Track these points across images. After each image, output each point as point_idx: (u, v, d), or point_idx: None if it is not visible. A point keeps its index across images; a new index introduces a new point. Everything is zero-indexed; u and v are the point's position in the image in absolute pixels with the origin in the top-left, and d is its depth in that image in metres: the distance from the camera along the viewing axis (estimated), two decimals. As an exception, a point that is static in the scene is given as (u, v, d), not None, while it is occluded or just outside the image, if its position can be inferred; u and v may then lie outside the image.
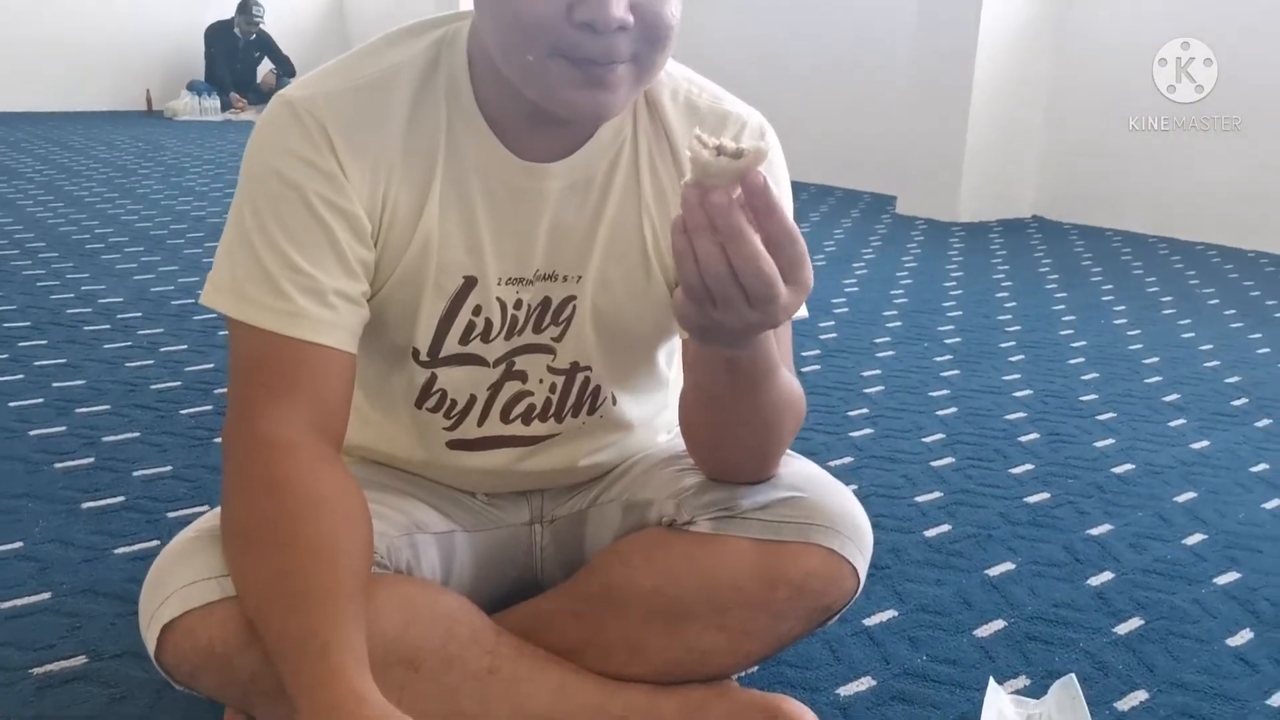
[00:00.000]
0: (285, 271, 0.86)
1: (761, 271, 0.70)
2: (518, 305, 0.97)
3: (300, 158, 0.86)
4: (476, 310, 0.96)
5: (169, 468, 1.68)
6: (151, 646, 0.85)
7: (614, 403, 1.06)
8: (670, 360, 1.09)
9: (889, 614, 1.29)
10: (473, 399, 1.01)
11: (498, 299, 0.96)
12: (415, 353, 0.97)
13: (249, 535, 0.84)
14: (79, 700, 1.07)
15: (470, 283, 0.95)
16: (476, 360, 0.99)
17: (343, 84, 0.89)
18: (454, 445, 1.04)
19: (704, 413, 0.92)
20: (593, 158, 0.94)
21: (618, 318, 0.99)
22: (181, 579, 0.85)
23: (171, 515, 1.51)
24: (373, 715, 0.73)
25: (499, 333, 0.97)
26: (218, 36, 7.83)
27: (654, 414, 1.12)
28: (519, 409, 1.03)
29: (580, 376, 1.03)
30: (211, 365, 2.19)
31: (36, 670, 1.12)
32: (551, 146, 0.92)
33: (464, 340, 0.97)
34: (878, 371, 2.31)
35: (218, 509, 0.89)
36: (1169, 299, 3.11)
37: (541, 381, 1.02)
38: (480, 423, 1.02)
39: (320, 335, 0.86)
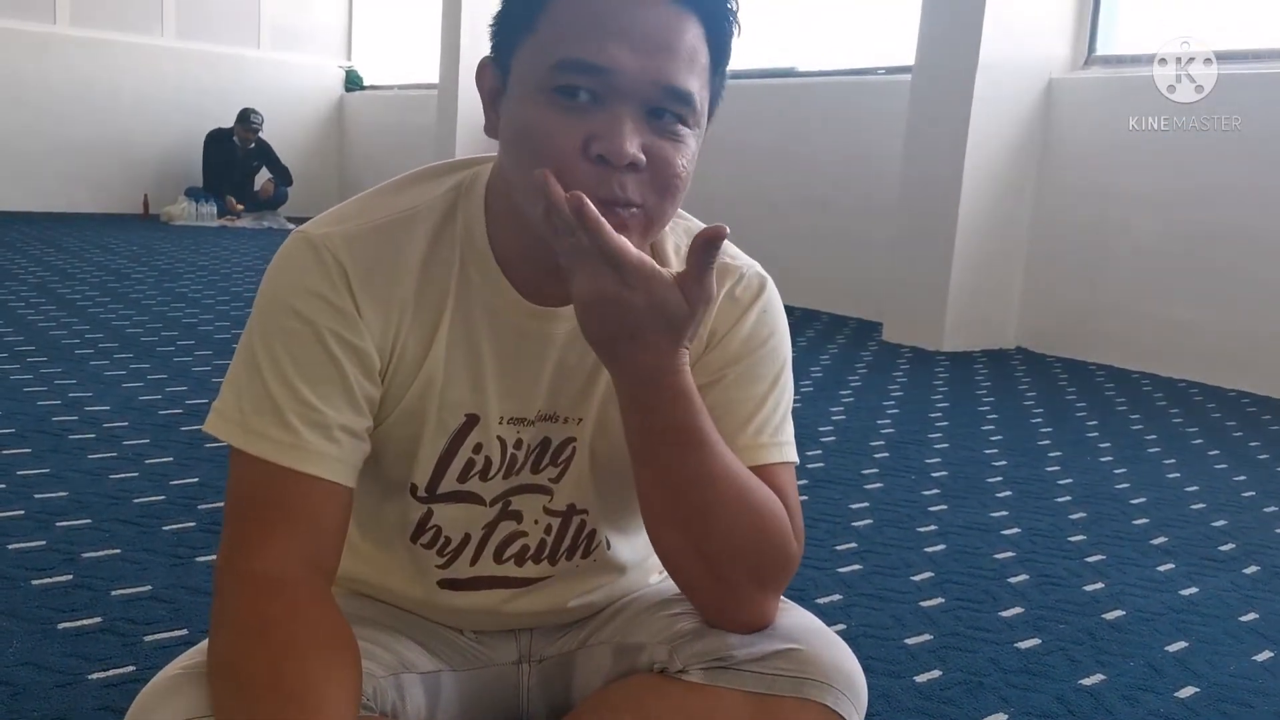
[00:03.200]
0: (292, 404, 0.86)
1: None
2: (518, 445, 0.97)
3: (317, 294, 0.88)
4: (477, 448, 0.96)
5: (148, 587, 1.65)
6: (133, 786, 0.82)
7: (608, 547, 1.06)
8: None
9: (881, 766, 1.26)
10: (467, 537, 1.01)
11: (498, 437, 0.96)
12: (413, 488, 0.97)
13: (236, 676, 0.82)
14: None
15: (472, 420, 0.95)
16: (473, 498, 0.99)
17: (362, 225, 0.91)
18: (445, 584, 1.03)
19: (640, 482, 0.91)
20: None
21: (615, 461, 0.99)
22: (165, 718, 0.83)
23: (149, 639, 1.48)
24: None
25: (497, 471, 0.98)
26: (217, 144, 7.99)
27: (646, 556, 1.11)
28: (512, 549, 1.02)
29: (576, 520, 1.03)
30: (196, 479, 2.17)
31: (1, 807, 1.08)
32: (558, 291, 0.94)
33: (463, 478, 0.97)
34: (865, 504, 2.30)
35: (201, 644, 0.88)
36: (1153, 437, 3.14)
37: (537, 523, 1.02)
38: (473, 562, 1.02)
39: (322, 469, 0.87)
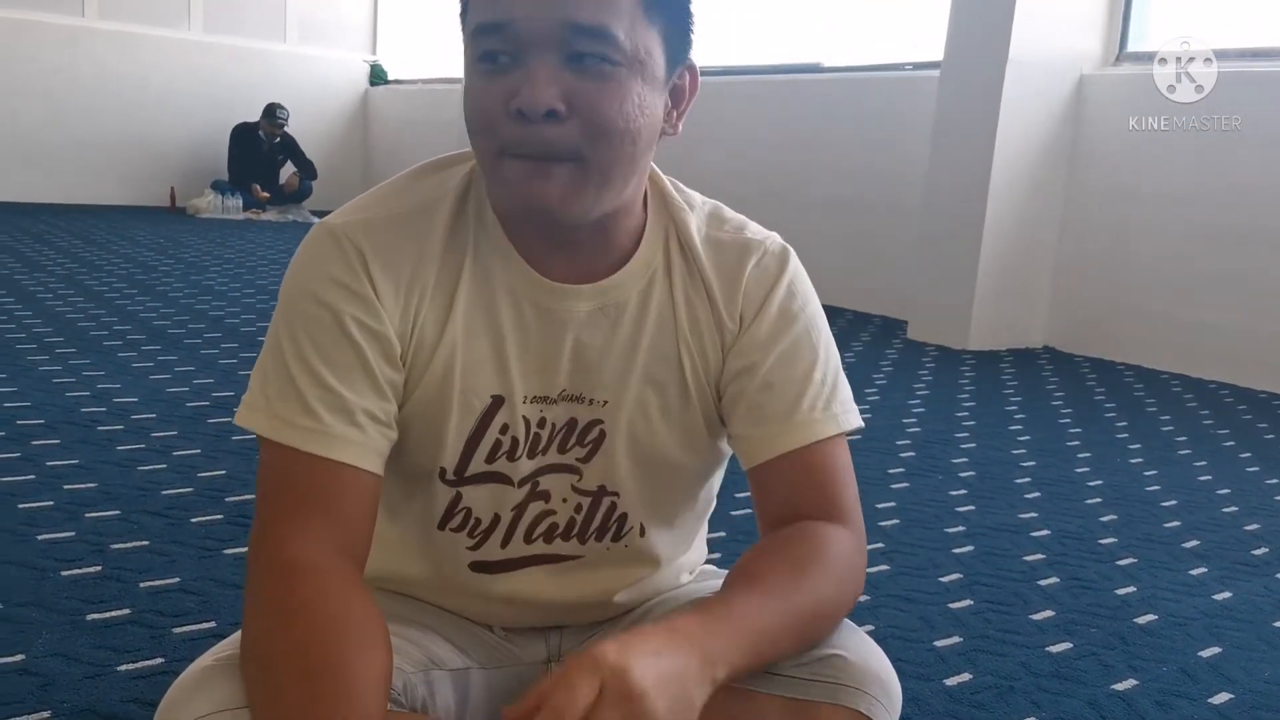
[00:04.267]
0: (316, 390, 0.87)
1: None
2: (541, 424, 0.97)
3: (337, 281, 0.89)
4: (504, 429, 0.96)
5: (176, 579, 1.65)
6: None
7: (642, 533, 1.05)
8: (710, 504, 1.09)
9: (911, 770, 1.25)
10: (497, 518, 1.00)
11: (523, 417, 0.96)
12: (442, 472, 0.97)
13: (268, 662, 0.82)
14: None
15: (498, 401, 0.96)
16: (502, 479, 0.99)
17: (380, 213, 0.92)
18: (476, 567, 1.02)
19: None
20: (623, 285, 0.95)
21: (655, 445, 0.99)
22: (198, 709, 0.83)
23: (177, 631, 1.48)
24: None
25: (523, 451, 0.98)
26: (243, 138, 8.03)
27: (683, 552, 1.10)
28: (542, 527, 1.02)
29: (606, 501, 1.02)
30: (223, 472, 2.18)
31: (31, 798, 1.08)
32: (573, 269, 0.94)
33: (490, 459, 0.97)
34: (892, 504, 2.29)
35: (231, 637, 0.88)
36: (1184, 439, 3.10)
37: (565, 501, 1.01)
38: (504, 544, 1.01)
39: (347, 455, 0.87)
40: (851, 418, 0.98)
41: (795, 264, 1.00)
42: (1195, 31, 4.11)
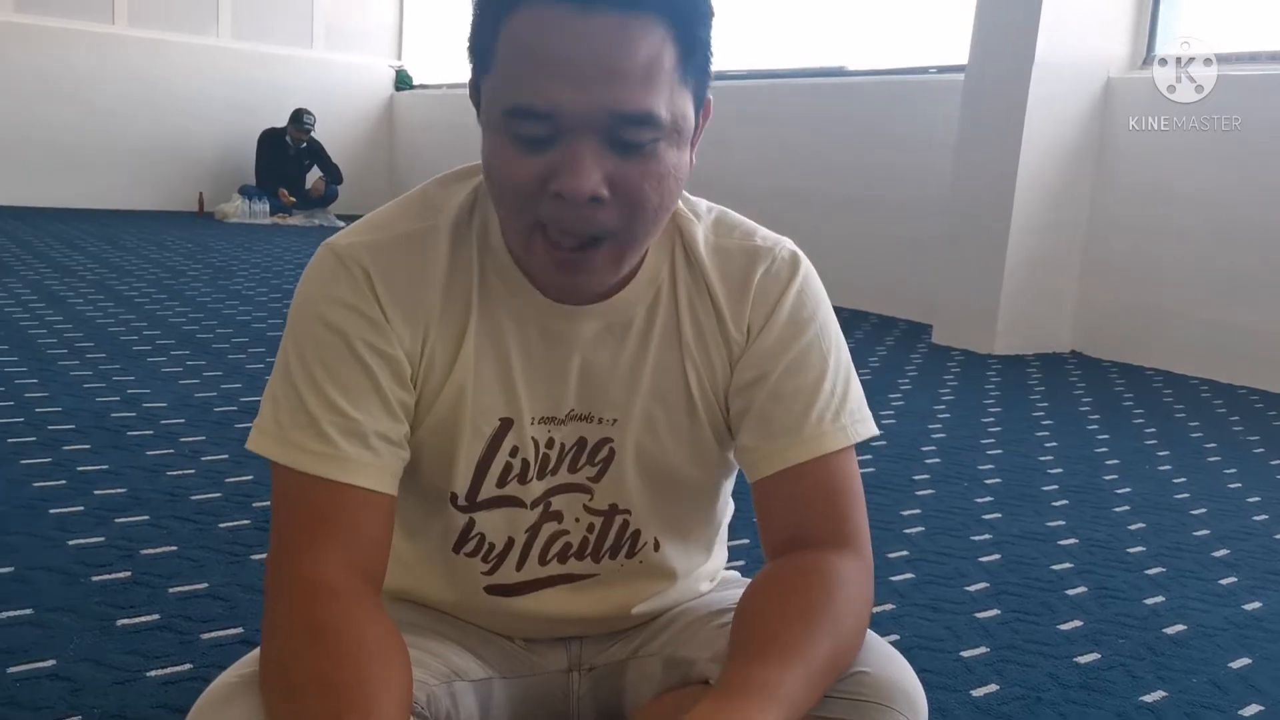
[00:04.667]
0: (328, 415, 0.87)
1: None
2: (549, 444, 0.97)
3: (345, 304, 0.88)
4: (514, 451, 0.96)
5: (205, 584, 1.67)
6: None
7: (656, 548, 1.04)
8: (725, 513, 1.08)
9: (937, 782, 1.24)
10: (510, 542, 1.00)
11: (532, 438, 0.96)
12: (453, 497, 0.97)
13: (288, 683, 0.82)
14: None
15: (507, 424, 0.95)
16: (514, 502, 0.98)
17: (385, 234, 0.92)
18: (492, 590, 1.02)
19: None
20: (629, 302, 0.95)
21: (664, 461, 0.99)
22: (221, 726, 0.84)
23: (205, 637, 1.50)
24: None
25: (534, 472, 0.97)
26: (270, 143, 8.10)
27: (700, 564, 1.10)
28: (555, 548, 1.02)
29: (619, 519, 1.02)
30: (250, 477, 2.20)
31: (63, 804, 1.10)
32: (578, 289, 0.93)
33: (501, 483, 0.97)
34: (917, 511, 2.28)
35: (255, 653, 0.88)
36: (1213, 445, 3.07)
37: (578, 521, 1.01)
38: (519, 566, 1.01)
39: (361, 478, 0.87)
40: (862, 427, 0.95)
41: (806, 269, 0.98)
42: (1224, 33, 4.07)
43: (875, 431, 0.97)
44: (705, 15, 0.82)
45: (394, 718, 0.81)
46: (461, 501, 0.97)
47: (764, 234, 0.99)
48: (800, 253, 0.99)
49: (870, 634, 0.99)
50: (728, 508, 1.11)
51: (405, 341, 0.90)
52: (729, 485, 1.08)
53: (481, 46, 0.83)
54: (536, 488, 0.97)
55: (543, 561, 1.01)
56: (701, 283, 0.96)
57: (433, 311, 0.91)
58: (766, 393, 0.94)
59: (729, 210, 1.01)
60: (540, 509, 0.99)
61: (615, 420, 0.96)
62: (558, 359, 0.94)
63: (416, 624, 1.03)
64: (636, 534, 1.02)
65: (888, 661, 0.94)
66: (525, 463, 0.96)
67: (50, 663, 1.39)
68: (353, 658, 0.81)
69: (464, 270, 0.92)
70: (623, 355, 0.95)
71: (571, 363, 0.94)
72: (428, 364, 0.91)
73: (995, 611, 1.78)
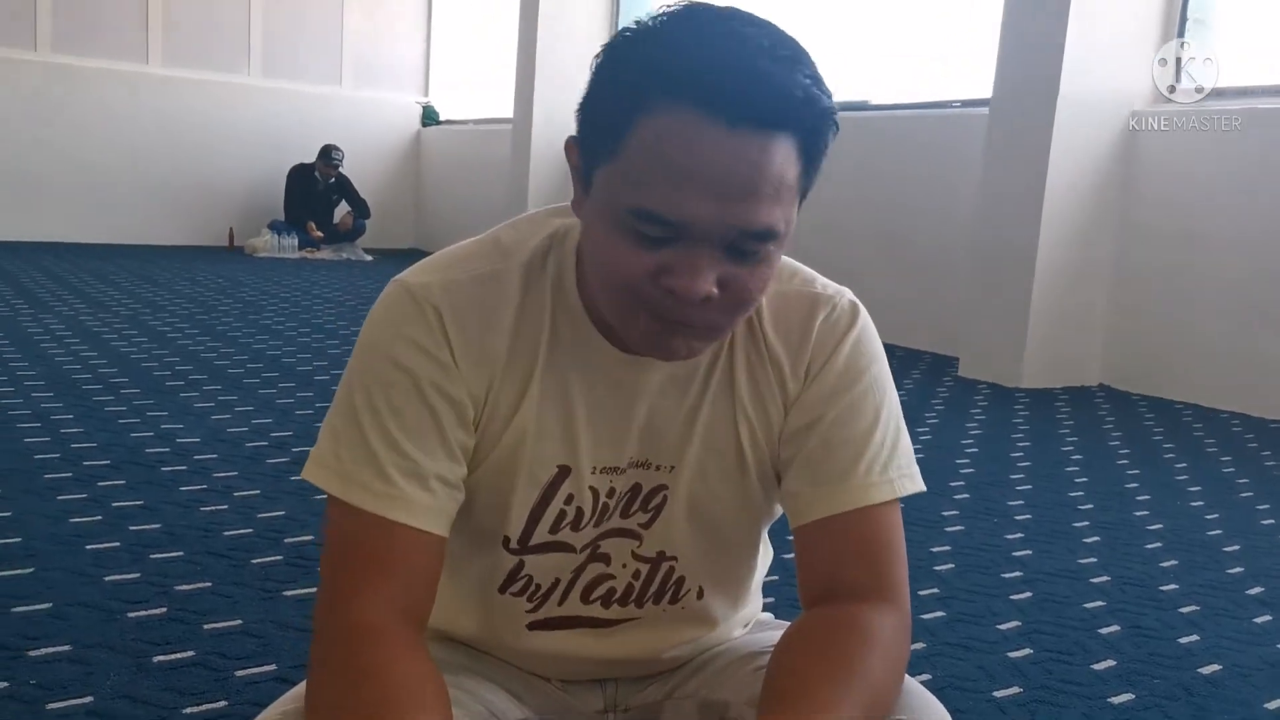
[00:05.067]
0: (390, 455, 0.87)
1: None
2: (610, 493, 0.97)
3: (416, 344, 0.89)
4: (569, 499, 0.96)
5: (239, 621, 1.68)
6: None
7: (699, 596, 1.05)
8: (765, 561, 1.09)
9: (971, 825, 1.24)
10: (556, 582, 1.01)
11: (590, 487, 0.96)
12: (505, 540, 0.98)
13: None
14: None
15: (564, 472, 0.95)
16: (565, 548, 0.99)
17: (459, 274, 0.92)
18: (534, 626, 1.03)
19: None
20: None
21: (713, 509, 0.99)
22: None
23: (239, 674, 1.51)
24: None
25: (589, 520, 0.98)
26: (299, 178, 8.22)
27: (738, 611, 1.10)
28: (600, 591, 1.02)
29: (665, 566, 1.02)
30: (282, 513, 2.22)
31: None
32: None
33: (554, 529, 0.98)
34: (947, 548, 2.27)
35: (292, 692, 0.89)
36: (1245, 480, 3.04)
37: (625, 566, 1.01)
38: (561, 602, 1.02)
39: (417, 519, 0.87)
40: (909, 482, 0.95)
41: (865, 320, 0.98)
42: (1251, 67, 4.07)
43: (922, 488, 0.97)
44: (831, 124, 0.81)
45: None
46: (513, 545, 0.97)
47: (824, 282, 0.99)
48: (859, 303, 0.99)
49: (907, 679, 0.99)
50: (767, 555, 1.12)
51: (472, 385, 0.90)
52: (766, 531, 1.08)
53: (607, 126, 0.80)
54: (588, 534, 0.98)
55: (585, 600, 1.01)
56: (757, 332, 0.96)
57: (500, 355, 0.91)
58: (817, 439, 0.94)
59: (786, 256, 1.02)
60: (588, 551, 0.99)
61: (672, 467, 0.97)
62: (624, 409, 0.94)
63: (455, 663, 1.04)
64: (681, 580, 1.03)
65: (923, 709, 0.94)
66: (580, 511, 0.96)
67: (88, 699, 1.41)
68: (396, 702, 0.82)
69: (535, 316, 0.92)
70: (685, 403, 0.95)
71: (636, 410, 0.95)
72: (491, 407, 0.92)
73: (1028, 650, 1.77)
